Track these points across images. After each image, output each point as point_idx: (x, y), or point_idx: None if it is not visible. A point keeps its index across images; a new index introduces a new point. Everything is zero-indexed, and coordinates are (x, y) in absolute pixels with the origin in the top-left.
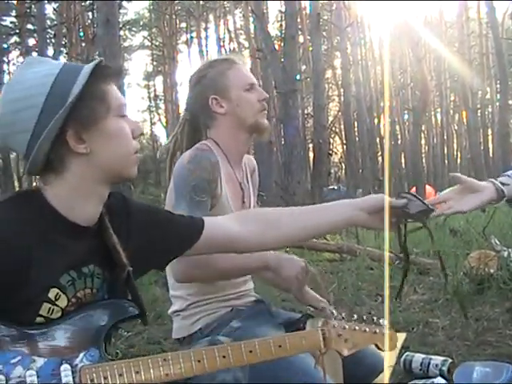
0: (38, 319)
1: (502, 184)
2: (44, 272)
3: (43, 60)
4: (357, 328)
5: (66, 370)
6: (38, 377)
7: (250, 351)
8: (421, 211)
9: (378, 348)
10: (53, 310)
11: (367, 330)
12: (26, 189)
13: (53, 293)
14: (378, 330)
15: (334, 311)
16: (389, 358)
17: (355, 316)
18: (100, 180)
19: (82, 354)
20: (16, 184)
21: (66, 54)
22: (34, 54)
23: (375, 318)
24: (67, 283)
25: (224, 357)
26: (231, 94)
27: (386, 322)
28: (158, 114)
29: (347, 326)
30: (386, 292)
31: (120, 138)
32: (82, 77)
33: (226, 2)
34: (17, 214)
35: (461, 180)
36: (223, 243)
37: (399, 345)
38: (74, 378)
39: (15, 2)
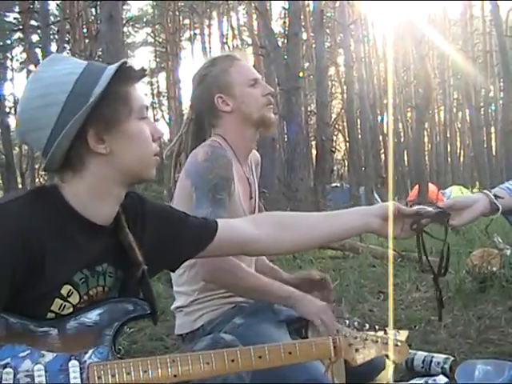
0: (49, 315)
1: (496, 197)
2: (58, 269)
3: (66, 58)
4: (368, 338)
5: (74, 366)
6: (45, 371)
7: (260, 356)
8: (440, 213)
9: (389, 358)
10: (64, 306)
11: (378, 340)
12: (43, 185)
13: (65, 289)
14: (389, 341)
15: (347, 321)
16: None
17: (367, 325)
18: (118, 181)
19: (90, 351)
20: (19, 180)
21: (70, 50)
22: (38, 50)
23: (387, 329)
24: (80, 280)
25: (233, 361)
26: (235, 90)
27: (390, 330)
28: (162, 110)
29: (358, 336)
30: (390, 290)
31: (140, 141)
32: (104, 77)
33: None
34: (33, 209)
35: (455, 206)
36: (238, 245)
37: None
38: (81, 374)
39: None
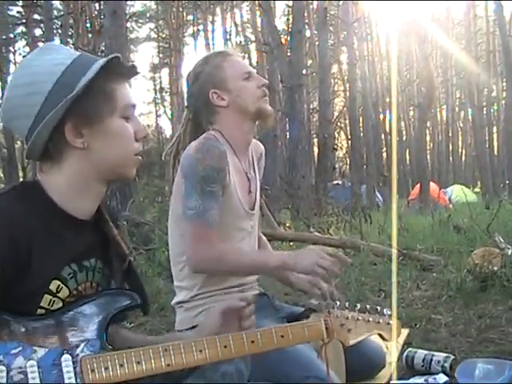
0: (39, 311)
1: None
2: (45, 264)
3: (58, 48)
4: (360, 318)
5: (66, 360)
6: (38, 367)
7: (252, 341)
8: None
9: (382, 338)
10: (53, 301)
11: (370, 319)
12: (24, 181)
13: (54, 285)
14: (381, 320)
15: (338, 301)
16: (391, 354)
17: (358, 305)
18: (96, 176)
19: (82, 344)
20: (20, 174)
21: (73, 44)
22: (41, 44)
23: (378, 308)
24: (68, 275)
25: (225, 347)
26: (230, 85)
27: (391, 312)
28: (164, 106)
29: (350, 316)
30: (394, 288)
31: (120, 139)
32: (91, 71)
33: None
34: (17, 205)
35: None
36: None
37: (402, 341)
38: (74, 368)
39: None
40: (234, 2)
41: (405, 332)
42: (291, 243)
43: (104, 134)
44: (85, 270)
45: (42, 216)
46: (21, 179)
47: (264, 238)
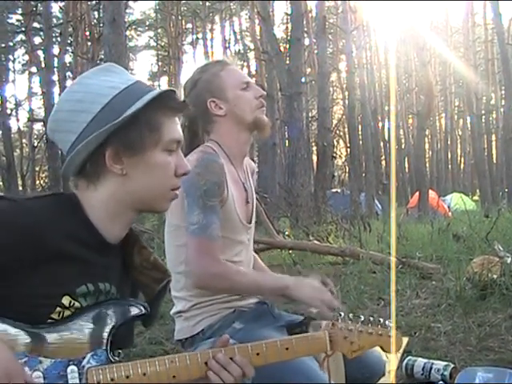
0: (49, 322)
1: None
2: (64, 274)
3: (118, 71)
4: (362, 330)
5: (72, 371)
6: (44, 378)
7: (258, 353)
8: None
9: (383, 350)
10: (63, 312)
11: (373, 332)
12: (63, 192)
13: (66, 300)
14: (383, 333)
15: (342, 312)
16: (391, 362)
17: (362, 317)
18: (129, 204)
19: (88, 355)
20: (19, 182)
21: (72, 52)
22: (40, 52)
23: (381, 319)
24: (81, 295)
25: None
26: (228, 94)
27: (392, 324)
28: None
29: (353, 328)
30: (392, 294)
31: (160, 172)
32: (141, 100)
33: (232, 4)
34: (52, 210)
35: None
36: None
37: (401, 349)
38: (80, 379)
39: (21, 1)
40: (233, 10)
41: (404, 340)
42: (290, 251)
43: (144, 165)
44: (97, 292)
45: (74, 228)
46: (20, 187)
47: (257, 256)
